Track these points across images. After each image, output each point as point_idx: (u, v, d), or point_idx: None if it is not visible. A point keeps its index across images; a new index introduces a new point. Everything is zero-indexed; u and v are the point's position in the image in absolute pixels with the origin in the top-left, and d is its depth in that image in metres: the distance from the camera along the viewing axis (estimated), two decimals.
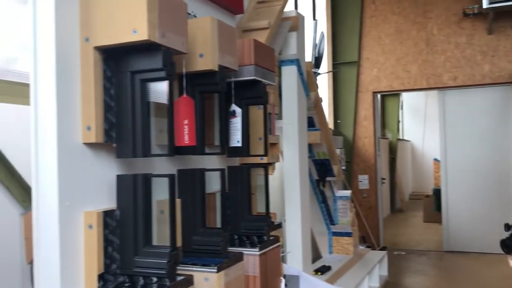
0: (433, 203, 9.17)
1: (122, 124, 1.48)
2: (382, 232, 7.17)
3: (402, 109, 12.71)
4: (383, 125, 10.88)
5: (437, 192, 8.37)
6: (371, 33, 6.74)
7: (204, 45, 1.73)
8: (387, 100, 10.87)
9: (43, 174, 1.37)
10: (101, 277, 1.43)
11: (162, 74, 1.45)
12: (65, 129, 1.39)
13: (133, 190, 1.48)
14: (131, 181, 1.49)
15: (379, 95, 7.47)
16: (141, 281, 1.45)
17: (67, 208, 1.38)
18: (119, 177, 1.51)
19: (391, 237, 7.76)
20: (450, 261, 6.32)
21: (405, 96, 12.47)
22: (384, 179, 8.18)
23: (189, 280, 1.54)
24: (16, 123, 2.06)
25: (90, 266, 1.42)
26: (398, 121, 11.75)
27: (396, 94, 10.62)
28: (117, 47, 1.44)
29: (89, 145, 1.47)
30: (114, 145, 1.50)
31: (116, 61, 1.49)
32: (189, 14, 2.05)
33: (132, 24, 1.38)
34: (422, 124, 13.04)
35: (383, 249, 5.99)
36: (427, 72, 6.41)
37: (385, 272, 5.04)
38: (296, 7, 5.56)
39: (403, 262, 6.24)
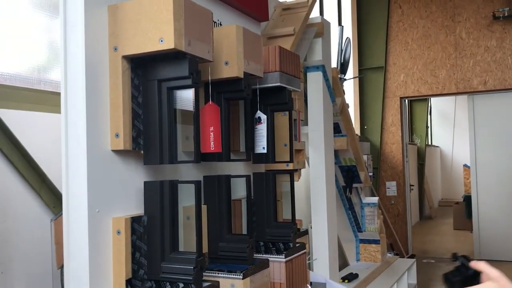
0: (463, 210, 8.97)
1: (149, 132, 1.50)
2: (411, 240, 7.05)
3: (430, 114, 12.51)
4: (411, 131, 10.72)
5: (467, 199, 8.19)
6: (398, 38, 6.67)
7: (230, 53, 1.75)
8: (415, 105, 10.71)
9: (73, 180, 1.41)
10: (128, 282, 1.45)
11: (189, 82, 1.46)
12: (94, 137, 1.42)
13: (160, 196, 1.50)
14: (158, 188, 1.50)
15: (406, 101, 7.37)
16: (168, 287, 1.46)
17: (96, 214, 1.41)
18: (146, 184, 1.53)
19: (420, 245, 7.62)
20: None
21: (434, 101, 12.27)
22: (412, 185, 8.05)
23: (215, 286, 1.55)
24: (48, 131, 2.11)
25: (118, 271, 1.44)
26: (427, 127, 11.56)
27: (424, 100, 10.46)
28: (145, 56, 1.47)
29: (118, 152, 1.49)
30: (142, 152, 1.53)
31: (144, 69, 1.52)
32: (215, 22, 2.08)
33: (158, 33, 1.41)
34: (451, 130, 12.79)
35: (411, 257, 5.89)
36: (456, 76, 6.30)
37: (414, 281, 4.94)
38: (321, 13, 5.55)
39: (433, 270, 6.12)
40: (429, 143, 12.60)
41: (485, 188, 6.74)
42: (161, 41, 1.40)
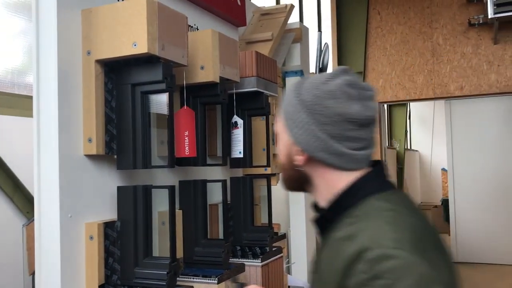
0: (441, 214, 9.08)
1: (123, 136, 1.50)
2: None
3: (410, 119, 12.66)
4: (390, 135, 10.84)
5: (445, 202, 8.31)
6: (377, 44, 6.74)
7: (205, 57, 1.75)
8: (394, 110, 10.83)
9: (45, 185, 1.39)
10: None
11: (163, 86, 1.46)
12: (66, 141, 1.41)
13: (134, 201, 1.49)
14: (131, 193, 1.50)
15: (385, 105, 7.45)
16: None
17: (69, 219, 1.39)
18: (119, 189, 1.52)
19: None
20: (460, 272, 6.25)
21: (413, 106, 12.43)
22: None
23: None
24: (22, 135, 2.08)
25: (91, 277, 1.43)
26: (406, 131, 11.70)
27: (403, 104, 10.59)
28: (118, 60, 1.47)
29: (90, 157, 1.48)
30: (115, 156, 1.52)
31: (117, 73, 1.51)
32: (191, 26, 2.08)
33: (132, 37, 1.40)
34: (430, 134, 12.98)
35: None
36: (433, 82, 6.39)
37: None
38: (301, 19, 5.59)
39: None
40: (408, 147, 12.75)
41: (462, 192, 6.85)
42: (135, 45, 1.40)
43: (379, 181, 1.03)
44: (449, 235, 7.14)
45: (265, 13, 3.24)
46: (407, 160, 11.81)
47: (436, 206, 9.71)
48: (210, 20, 2.25)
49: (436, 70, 6.36)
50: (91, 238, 1.43)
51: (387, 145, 7.84)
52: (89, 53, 1.47)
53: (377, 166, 1.05)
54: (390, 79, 6.65)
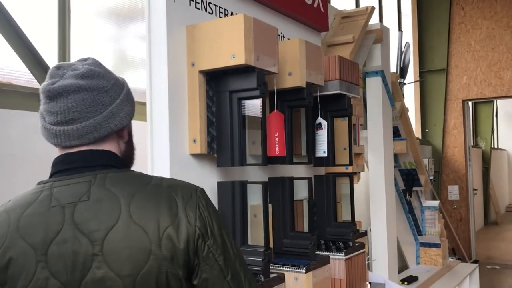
0: None
1: (221, 137, 1.68)
2: (474, 245, 6.88)
3: (496, 116, 12.05)
4: (475, 134, 10.40)
5: None
6: (460, 40, 6.55)
7: (293, 65, 1.90)
8: (480, 107, 10.38)
9: None
10: None
11: (257, 93, 1.63)
12: (175, 142, 1.62)
13: (232, 195, 1.67)
14: (229, 187, 1.68)
15: (470, 103, 7.20)
16: None
17: None
18: (219, 184, 1.71)
19: (484, 251, 7.40)
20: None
21: (500, 103, 11.81)
22: (476, 190, 7.83)
23: (281, 278, 1.70)
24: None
25: None
26: (492, 129, 11.16)
27: (489, 102, 10.12)
28: (218, 70, 1.65)
29: (195, 155, 1.69)
30: (215, 155, 1.71)
31: (217, 82, 1.70)
32: (278, 35, 2.24)
33: (231, 50, 1.58)
34: None
35: (475, 262, 5.77)
36: None
37: (477, 286, 4.86)
38: (381, 19, 5.58)
39: (497, 276, 5.96)
40: (495, 146, 12.13)
41: None
42: (233, 57, 1.58)
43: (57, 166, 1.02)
44: None
45: (346, 16, 3.33)
46: (494, 159, 11.26)
47: None
48: (295, 27, 2.39)
49: None
50: None
51: (472, 144, 7.57)
52: (193, 64, 1.68)
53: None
54: (475, 76, 6.44)
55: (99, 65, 1.08)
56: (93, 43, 2.62)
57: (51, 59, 2.04)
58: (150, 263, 0.90)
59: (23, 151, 1.72)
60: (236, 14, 1.96)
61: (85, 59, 1.07)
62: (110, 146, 1.05)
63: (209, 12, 1.82)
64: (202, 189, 1.07)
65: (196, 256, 0.94)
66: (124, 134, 1.10)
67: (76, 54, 2.22)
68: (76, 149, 1.01)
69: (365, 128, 3.54)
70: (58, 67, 1.04)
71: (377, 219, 3.50)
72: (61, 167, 1.01)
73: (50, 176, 1.02)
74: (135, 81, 2.83)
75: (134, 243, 0.90)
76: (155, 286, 0.90)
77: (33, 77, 1.84)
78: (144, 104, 1.69)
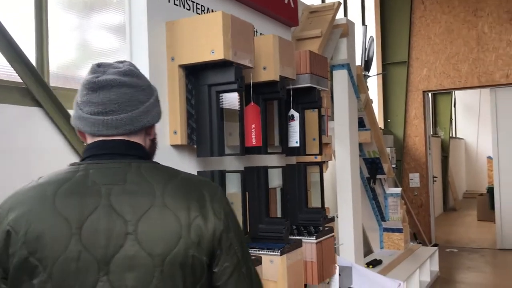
0: (487, 202, 9.05)
1: (201, 129, 1.77)
2: (434, 230, 7.21)
3: (455, 107, 12.53)
4: (435, 124, 10.80)
5: (491, 191, 8.27)
6: (421, 33, 6.80)
7: (267, 59, 2.00)
8: (439, 98, 10.78)
9: None
10: None
11: (234, 86, 1.73)
12: (157, 134, 1.69)
13: None
14: (209, 176, 1.77)
15: (429, 94, 7.50)
16: None
17: None
18: (199, 173, 1.80)
19: (443, 235, 7.76)
20: (503, 258, 6.29)
21: (458, 94, 12.29)
22: (435, 177, 8.17)
23: (258, 260, 1.81)
24: None
25: None
26: (451, 119, 11.61)
27: (448, 92, 10.52)
28: (197, 64, 1.74)
29: (175, 146, 1.77)
30: (195, 146, 1.80)
31: (196, 76, 1.78)
32: None
33: (210, 46, 1.67)
34: (476, 122, 12.79)
35: (434, 246, 6.07)
36: (478, 70, 6.41)
37: (436, 268, 5.13)
38: (345, 14, 5.74)
39: (455, 258, 6.28)
40: (453, 135, 12.64)
41: (508, 180, 6.85)
42: (213, 52, 1.67)
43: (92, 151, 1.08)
44: (494, 222, 7.16)
45: (314, 11, 3.45)
46: (452, 148, 11.73)
47: (481, 194, 9.64)
48: (267, 22, 2.49)
49: (481, 58, 6.38)
50: None
51: (431, 133, 7.89)
52: (173, 59, 1.75)
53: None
54: (435, 68, 6.71)
55: (136, 67, 1.16)
56: (59, 33, 2.64)
57: (28, 52, 2.06)
58: (180, 245, 0.97)
59: (6, 145, 1.75)
60: (213, 10, 2.04)
61: (123, 61, 1.15)
62: (140, 140, 1.11)
63: (187, 9, 1.89)
64: (221, 188, 1.17)
65: (220, 246, 1.02)
66: (152, 132, 1.17)
67: (52, 46, 2.24)
68: (112, 137, 1.08)
69: (333, 119, 3.68)
70: (99, 65, 1.12)
71: (343, 206, 3.66)
72: (96, 152, 1.07)
73: (82, 160, 1.07)
74: None
75: (166, 227, 0.97)
76: (179, 267, 0.97)
77: (13, 70, 1.87)
78: None
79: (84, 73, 2.71)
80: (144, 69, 1.69)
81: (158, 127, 1.70)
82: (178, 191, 1.02)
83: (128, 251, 0.96)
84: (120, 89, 1.07)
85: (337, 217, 3.73)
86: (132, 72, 1.10)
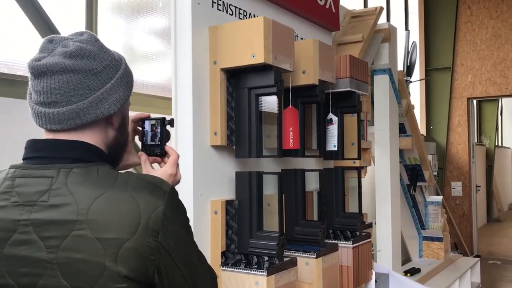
0: None
1: (240, 130, 1.81)
2: (476, 241, 7.00)
3: (501, 115, 12.12)
4: (480, 132, 10.48)
5: None
6: (466, 39, 6.64)
7: (307, 63, 2.02)
8: (485, 105, 10.47)
9: (182, 170, 1.74)
10: (223, 254, 1.77)
11: (274, 89, 1.76)
12: (198, 135, 1.75)
13: (249, 184, 1.80)
14: (247, 177, 1.81)
15: (474, 101, 7.30)
16: (255, 259, 1.77)
17: (199, 197, 1.74)
18: (237, 174, 1.84)
19: (486, 246, 7.52)
20: None
21: (505, 102, 11.89)
22: (479, 186, 7.94)
23: (294, 261, 1.83)
24: None
25: (216, 244, 1.76)
26: (497, 128, 11.24)
27: (494, 100, 10.20)
28: (238, 68, 1.78)
29: (215, 147, 1.82)
30: (234, 147, 1.84)
31: (237, 79, 1.83)
32: None
33: (251, 50, 1.71)
34: None
35: (476, 257, 5.90)
36: None
37: (477, 280, 4.98)
38: (388, 19, 5.68)
39: (498, 271, 6.08)
40: (499, 144, 12.22)
41: None
42: (253, 56, 1.71)
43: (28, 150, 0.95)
44: None
45: (356, 16, 3.45)
46: (498, 157, 11.35)
47: None
48: (308, 26, 2.51)
49: None
50: (216, 212, 1.77)
51: (476, 141, 7.67)
52: (215, 62, 1.80)
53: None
54: (480, 74, 6.53)
55: (94, 42, 0.97)
56: (108, 36, 2.75)
57: None
58: (103, 280, 0.84)
59: None
60: (254, 15, 2.09)
61: (81, 33, 0.98)
62: (93, 135, 0.97)
63: (229, 14, 1.94)
64: (171, 189, 0.97)
65: (160, 275, 0.89)
66: (114, 121, 1.01)
67: None
68: (56, 135, 0.94)
69: (372, 124, 3.66)
70: (50, 40, 0.96)
71: (382, 212, 3.63)
72: (27, 154, 0.94)
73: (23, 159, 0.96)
74: (145, 74, 2.96)
75: (88, 256, 0.84)
76: None
77: None
78: (164, 98, 1.82)
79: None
80: (188, 72, 1.75)
81: (199, 128, 1.77)
82: (108, 207, 0.86)
83: (47, 282, 0.86)
84: (62, 76, 0.91)
85: (375, 223, 3.69)
86: (81, 52, 0.93)
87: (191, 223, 1.71)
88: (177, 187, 1.63)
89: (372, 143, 3.59)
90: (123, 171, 1.00)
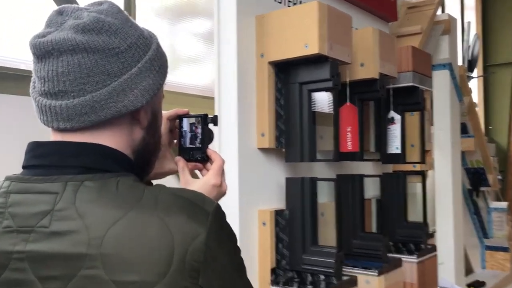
0: None
1: (290, 131, 1.61)
2: None
3: None
4: None
5: None
6: None
7: (366, 55, 1.79)
8: None
9: (226, 175, 1.55)
10: (273, 271, 1.56)
11: (329, 84, 1.54)
12: (243, 136, 1.56)
13: (301, 192, 1.59)
14: (299, 184, 1.60)
15: None
16: (309, 278, 1.55)
17: (245, 205, 1.54)
18: (288, 180, 1.63)
19: None
20: None
21: None
22: None
23: (354, 280, 1.60)
24: None
25: (264, 260, 1.56)
26: None
27: None
28: (288, 61, 1.57)
29: (263, 150, 1.62)
30: (283, 150, 1.63)
31: (286, 73, 1.62)
32: None
33: (303, 39, 1.50)
34: None
35: None
36: None
37: None
38: (443, 11, 5.33)
39: None
40: None
41: None
42: (306, 46, 1.50)
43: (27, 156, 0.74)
44: None
45: (412, 6, 3.17)
46: None
47: None
48: (363, 16, 2.28)
49: None
50: (264, 224, 1.57)
51: None
52: (262, 55, 1.60)
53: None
54: None
55: (116, 13, 0.75)
56: None
57: None
58: None
59: None
60: (305, 2, 1.88)
61: (100, 3, 0.77)
62: (114, 135, 0.74)
63: (278, 1, 1.74)
64: (216, 209, 0.72)
65: None
66: (142, 118, 0.78)
67: None
68: (65, 135, 0.72)
69: (431, 123, 3.36)
70: (60, 12, 0.74)
71: (443, 221, 3.32)
72: (27, 161, 0.73)
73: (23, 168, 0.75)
74: (187, 77, 2.85)
75: None
76: None
77: None
78: (207, 98, 1.64)
79: (173, 78, 2.76)
80: (232, 67, 1.56)
81: (245, 128, 1.57)
82: (130, 236, 0.63)
83: None
84: (73, 57, 0.69)
85: (435, 232, 3.39)
86: (98, 24, 0.71)
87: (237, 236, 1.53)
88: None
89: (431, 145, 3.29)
90: (154, 183, 0.79)
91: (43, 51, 0.70)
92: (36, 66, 0.72)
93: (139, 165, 0.80)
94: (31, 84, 0.75)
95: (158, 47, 0.80)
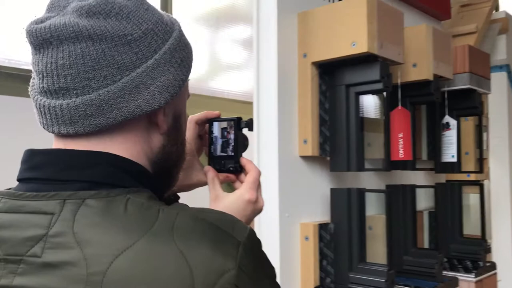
0: None
1: (336, 138, 1.48)
2: None
3: None
4: None
5: None
6: None
7: (418, 55, 1.65)
8: None
9: (264, 184, 1.43)
10: None
11: (379, 86, 1.41)
12: (284, 142, 1.44)
13: (348, 204, 1.46)
14: (345, 195, 1.47)
15: None
16: None
17: (286, 219, 1.42)
18: (333, 191, 1.50)
19: None
20: None
21: None
22: None
23: None
24: None
25: (307, 277, 1.43)
26: None
27: None
28: (333, 61, 1.45)
29: (305, 158, 1.49)
30: (328, 158, 1.51)
31: (331, 75, 1.50)
32: None
33: (351, 37, 1.37)
34: None
35: None
36: None
37: None
38: (497, 9, 5.03)
39: None
40: None
41: None
42: (354, 45, 1.37)
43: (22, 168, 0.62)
44: None
45: (466, 4, 2.97)
46: None
47: None
48: (414, 14, 2.12)
49: None
50: (307, 238, 1.44)
51: None
52: (305, 55, 1.49)
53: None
54: None
55: None
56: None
57: None
58: None
59: None
60: None
61: None
62: (127, 142, 0.62)
63: None
64: (249, 236, 0.58)
65: None
66: (160, 121, 0.65)
67: None
68: (68, 142, 0.60)
69: (486, 130, 3.14)
70: None
71: (500, 235, 3.08)
72: (22, 174, 0.61)
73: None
74: (228, 84, 2.78)
75: None
76: None
77: None
78: (246, 103, 1.53)
79: (213, 84, 2.70)
80: (272, 68, 1.45)
81: (286, 134, 1.46)
82: (137, 273, 0.50)
83: None
84: (75, 46, 0.56)
85: (490, 247, 3.15)
86: (107, 6, 0.58)
87: (276, 253, 1.41)
88: None
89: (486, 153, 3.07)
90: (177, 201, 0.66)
91: (40, 39, 0.57)
92: (33, 59, 0.60)
93: (159, 179, 0.67)
94: (31, 81, 0.64)
95: (181, 35, 0.66)
